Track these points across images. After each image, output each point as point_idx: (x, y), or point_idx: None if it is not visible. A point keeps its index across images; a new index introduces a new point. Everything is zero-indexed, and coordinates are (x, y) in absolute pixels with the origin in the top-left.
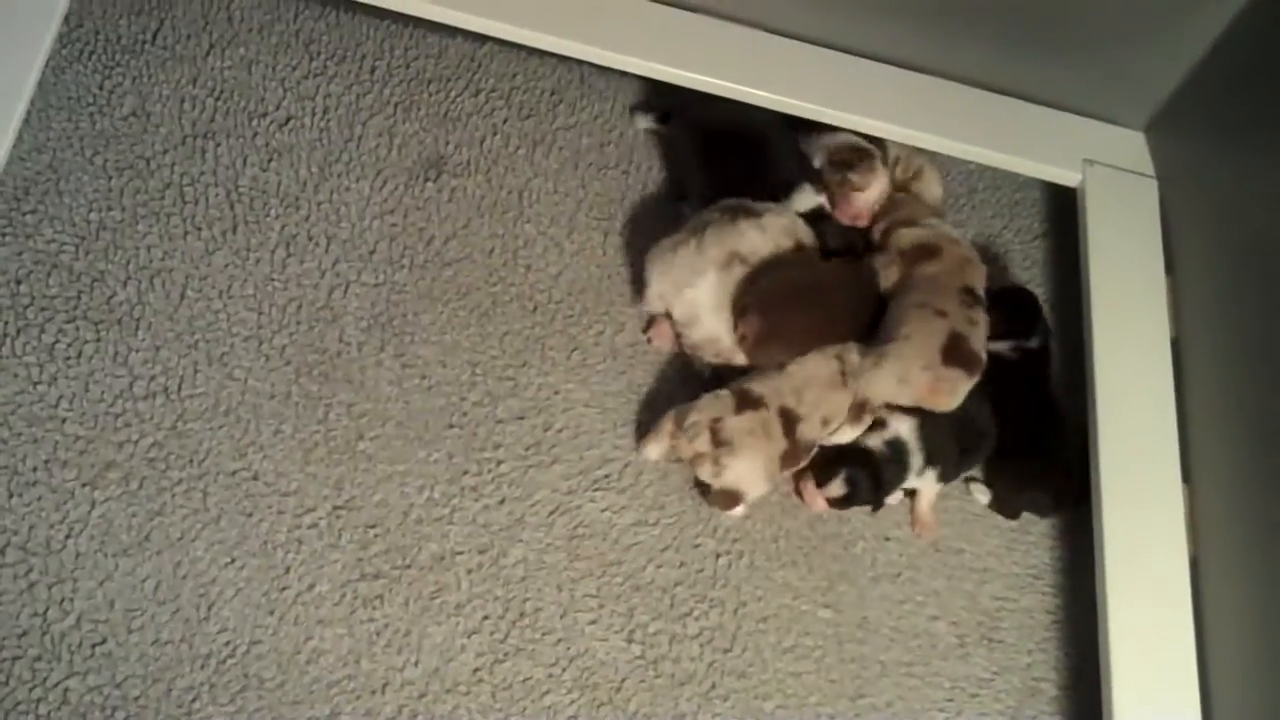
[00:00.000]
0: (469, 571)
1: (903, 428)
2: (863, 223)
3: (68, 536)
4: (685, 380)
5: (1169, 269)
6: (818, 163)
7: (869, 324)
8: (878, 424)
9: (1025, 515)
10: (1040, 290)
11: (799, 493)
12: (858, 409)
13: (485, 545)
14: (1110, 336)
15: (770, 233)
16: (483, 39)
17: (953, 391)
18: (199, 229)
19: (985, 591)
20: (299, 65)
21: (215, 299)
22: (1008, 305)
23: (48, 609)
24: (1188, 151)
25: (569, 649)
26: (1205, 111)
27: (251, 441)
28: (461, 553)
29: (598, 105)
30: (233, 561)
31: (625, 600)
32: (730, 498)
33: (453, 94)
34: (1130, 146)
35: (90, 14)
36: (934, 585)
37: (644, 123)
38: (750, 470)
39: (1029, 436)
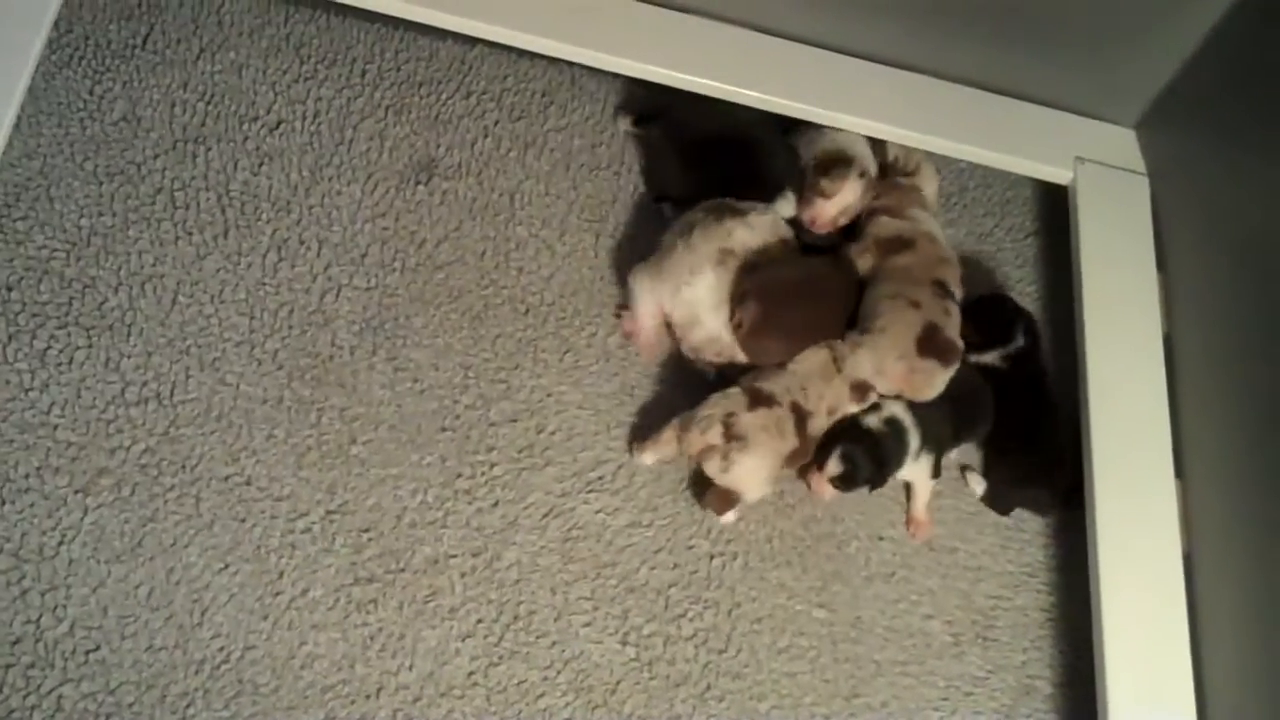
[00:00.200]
0: (463, 575)
1: (896, 408)
2: (821, 229)
3: (60, 543)
4: (679, 382)
5: (1160, 266)
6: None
7: None
8: (874, 406)
9: (1019, 514)
10: (1032, 288)
11: (808, 485)
12: (860, 390)
13: (479, 548)
14: (1102, 333)
15: (758, 230)
16: (473, 41)
17: (929, 382)
18: (190, 234)
19: (980, 590)
20: (289, 69)
21: (207, 304)
22: (983, 316)
23: (41, 616)
24: (1179, 148)
25: (563, 652)
26: (1196, 108)
27: (244, 446)
28: (455, 556)
29: (589, 107)
30: (226, 567)
31: (620, 602)
32: (727, 498)
33: (444, 97)
34: (1121, 144)
35: (80, 19)
36: (928, 584)
37: (624, 125)
38: (757, 468)
39: (1027, 434)
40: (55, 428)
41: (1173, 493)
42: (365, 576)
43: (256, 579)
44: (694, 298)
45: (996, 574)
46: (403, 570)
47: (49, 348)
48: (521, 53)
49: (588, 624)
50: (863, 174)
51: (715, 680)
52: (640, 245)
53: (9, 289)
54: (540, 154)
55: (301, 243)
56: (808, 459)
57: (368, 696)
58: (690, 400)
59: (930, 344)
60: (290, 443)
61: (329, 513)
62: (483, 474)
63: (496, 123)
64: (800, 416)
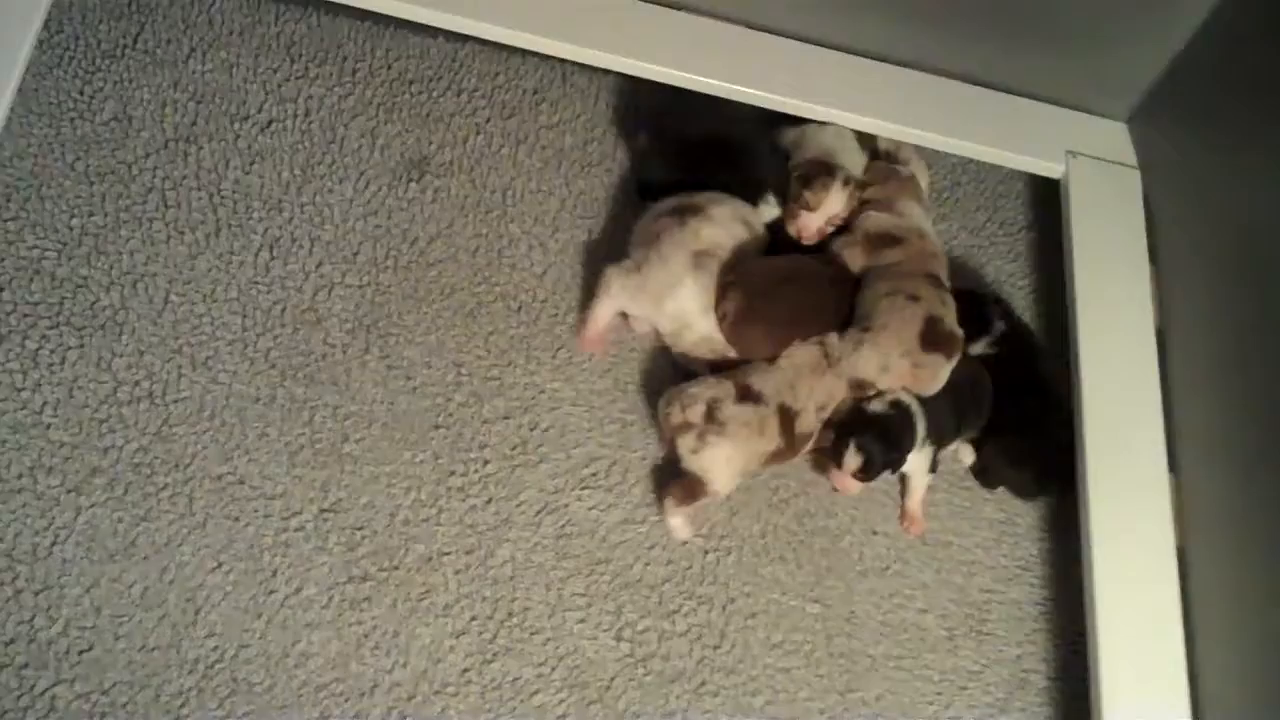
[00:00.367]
0: (456, 572)
1: (900, 393)
2: (809, 240)
3: (54, 543)
4: (671, 378)
5: (1153, 259)
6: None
7: (847, 313)
8: (878, 394)
9: (1012, 508)
10: (1024, 282)
11: (834, 486)
12: (858, 388)
13: (473, 546)
14: (1095, 327)
15: (721, 222)
16: (464, 39)
17: (934, 376)
18: (182, 233)
19: (973, 584)
20: (280, 68)
21: (199, 303)
22: (959, 312)
23: (34, 616)
24: (1170, 142)
25: (558, 648)
26: (1187, 102)
27: (237, 445)
28: (449, 553)
29: (580, 104)
30: (219, 566)
31: (613, 598)
32: (692, 489)
33: (435, 94)
34: (1113, 137)
35: (70, 19)
36: (922, 578)
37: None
38: (728, 460)
39: (1020, 414)
40: (48, 427)
41: (1166, 487)
42: (359, 574)
43: (250, 578)
44: (678, 309)
45: (990, 568)
46: (396, 568)
47: (41, 348)
48: (513, 50)
49: (582, 620)
50: (847, 182)
51: (710, 676)
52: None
53: (0, 289)
54: (532, 151)
55: (293, 241)
56: (794, 456)
57: (362, 694)
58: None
59: (933, 337)
60: (283, 441)
61: (322, 511)
62: (476, 471)
63: (488, 120)
64: (787, 418)
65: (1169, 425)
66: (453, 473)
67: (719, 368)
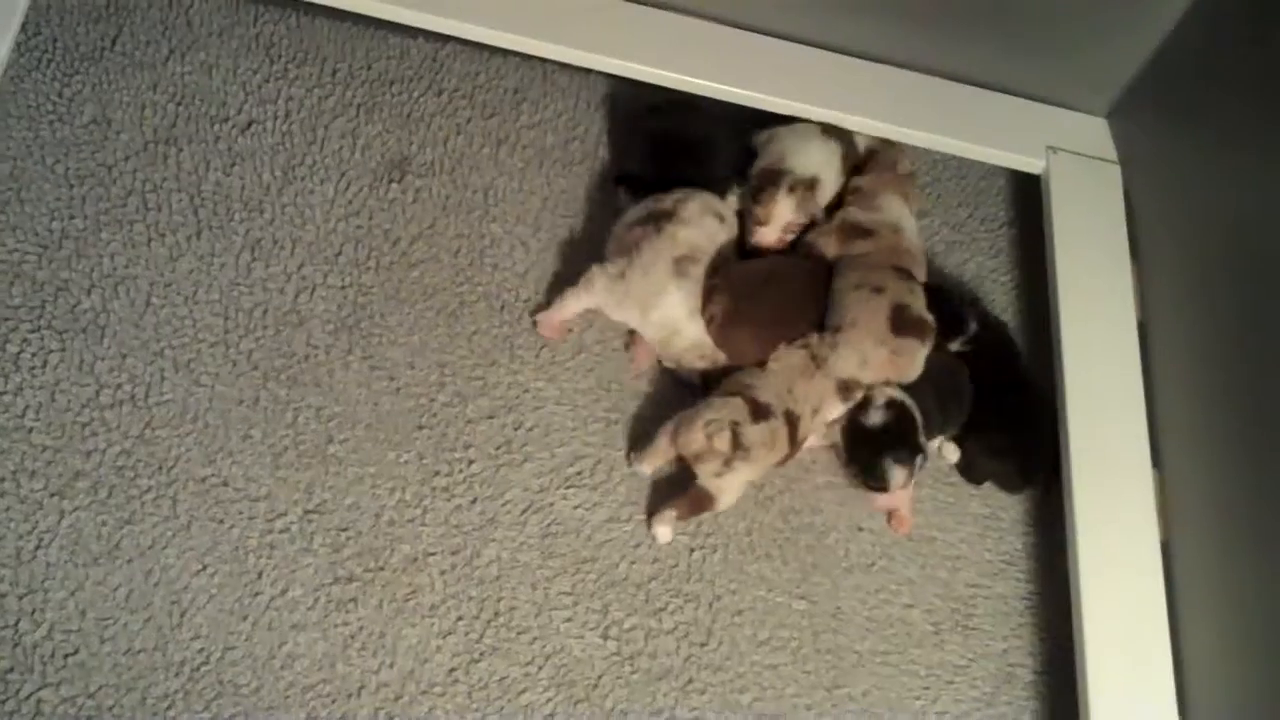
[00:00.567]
0: (442, 572)
1: (889, 391)
2: (772, 249)
3: (37, 547)
4: (655, 376)
5: (1134, 253)
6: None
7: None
8: (866, 401)
9: (997, 502)
10: (1006, 278)
11: (890, 520)
12: (846, 389)
13: (458, 546)
14: (1077, 322)
15: (694, 222)
16: (444, 39)
17: (912, 360)
18: (163, 235)
19: (959, 579)
20: (260, 69)
21: (181, 305)
22: (931, 312)
23: (19, 620)
24: (1150, 136)
25: (544, 647)
26: (1167, 96)
27: (220, 447)
28: (434, 554)
29: (561, 103)
30: (204, 568)
31: (600, 597)
32: (701, 503)
33: (415, 94)
34: (1093, 133)
35: (48, 22)
36: (907, 574)
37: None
38: (745, 482)
39: (1000, 409)
40: (30, 431)
41: (1149, 481)
42: (344, 575)
43: (235, 580)
44: (664, 316)
45: (975, 563)
46: (382, 569)
47: (22, 351)
48: (493, 50)
49: (568, 619)
50: (793, 188)
51: (697, 673)
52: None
53: None
54: (513, 151)
55: (275, 242)
56: (793, 458)
57: (349, 695)
58: (666, 394)
59: (902, 323)
60: (267, 443)
61: (307, 512)
62: (460, 471)
63: (469, 120)
64: (792, 425)
65: (1152, 419)
66: (437, 473)
67: (709, 372)
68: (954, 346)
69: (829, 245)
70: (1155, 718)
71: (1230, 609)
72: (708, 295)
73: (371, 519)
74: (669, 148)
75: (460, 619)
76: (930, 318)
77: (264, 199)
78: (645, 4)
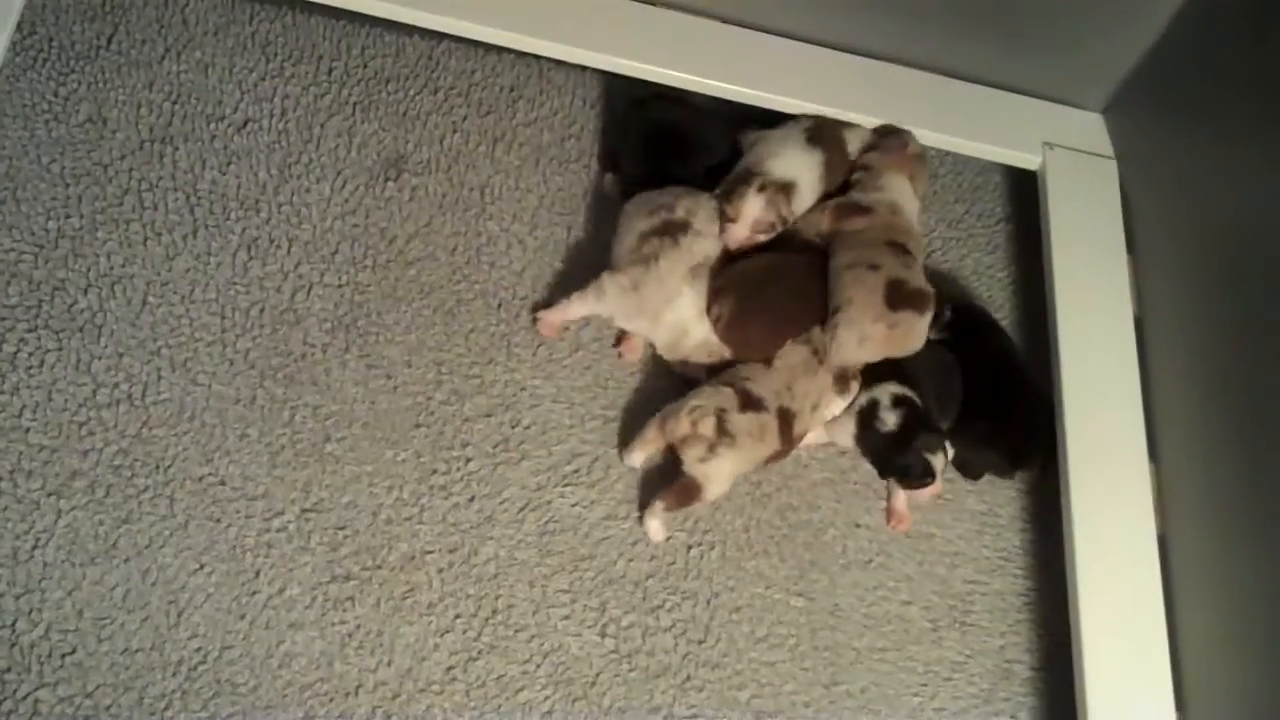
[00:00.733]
0: (440, 570)
1: (889, 387)
2: (735, 248)
3: (35, 547)
4: (652, 373)
5: (1130, 249)
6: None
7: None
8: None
9: (993, 499)
10: (1003, 273)
11: (888, 515)
12: (841, 379)
13: (456, 544)
14: (1074, 317)
15: (708, 232)
16: (440, 37)
17: (910, 332)
18: (159, 234)
19: (956, 575)
20: (256, 67)
21: (177, 304)
22: None
23: (16, 620)
24: (1146, 132)
25: (542, 645)
26: (1162, 92)
27: (218, 446)
28: (432, 552)
29: (557, 100)
30: (202, 567)
31: (598, 595)
32: (689, 493)
33: (411, 93)
34: (1089, 128)
35: (44, 21)
36: (905, 570)
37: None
38: (730, 470)
39: (979, 398)
40: (27, 431)
41: (1146, 475)
42: (342, 574)
43: (233, 579)
44: (677, 318)
45: (973, 559)
46: (379, 567)
47: (19, 351)
48: (489, 47)
49: (566, 617)
50: (763, 188)
51: (695, 670)
52: (612, 239)
53: None
54: (510, 148)
55: (271, 241)
56: (788, 454)
57: (347, 694)
58: (663, 391)
59: (898, 296)
60: (264, 442)
61: (304, 511)
62: (458, 469)
63: (465, 118)
64: (786, 421)
65: (1148, 413)
66: (435, 471)
67: (716, 369)
68: (930, 335)
69: (822, 221)
70: (1153, 711)
71: (1227, 602)
72: (713, 296)
73: (369, 517)
74: (660, 142)
75: (458, 617)
76: (930, 289)
77: (260, 198)
78: (641, 0)
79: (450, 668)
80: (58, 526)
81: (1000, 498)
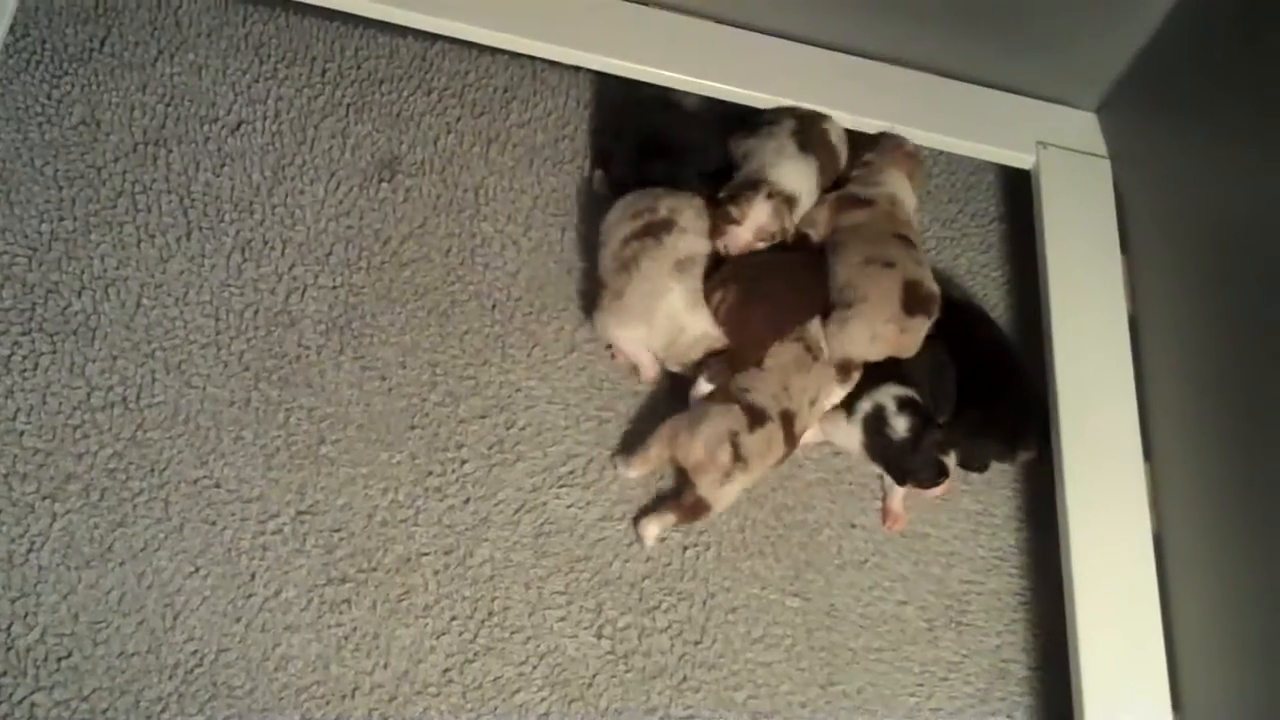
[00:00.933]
0: (436, 572)
1: (891, 390)
2: (740, 250)
3: (29, 550)
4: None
5: (1124, 247)
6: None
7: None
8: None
9: (989, 498)
10: (997, 273)
11: (884, 515)
12: (843, 369)
13: (451, 546)
14: (1068, 317)
15: (692, 228)
16: (434, 38)
17: (916, 337)
18: (153, 237)
19: (952, 575)
20: (249, 69)
21: (171, 307)
22: None
23: (11, 624)
24: (1139, 131)
25: (538, 646)
26: (1156, 91)
27: (212, 449)
28: (427, 554)
29: (551, 101)
30: (197, 570)
31: (593, 596)
32: (698, 510)
33: (405, 94)
34: (1082, 128)
35: (37, 23)
36: (901, 570)
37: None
38: (742, 490)
39: (973, 388)
40: (21, 434)
41: (1142, 474)
42: (338, 576)
43: (228, 581)
44: (669, 311)
45: (968, 559)
46: (375, 569)
47: (12, 354)
48: (483, 49)
49: (562, 618)
50: (771, 195)
51: (691, 671)
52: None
53: None
54: (504, 149)
55: (265, 243)
56: (791, 454)
57: (343, 697)
58: (658, 393)
59: (915, 301)
60: (259, 444)
61: (299, 513)
62: (453, 471)
63: (459, 119)
64: (788, 422)
65: (1143, 412)
66: (430, 473)
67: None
68: None
69: (821, 214)
70: (1149, 710)
71: (1223, 600)
72: (715, 286)
73: (364, 519)
74: (655, 145)
75: (454, 619)
76: (937, 290)
77: (254, 200)
78: (635, 1)
79: (446, 670)
80: (53, 530)
81: (995, 497)
